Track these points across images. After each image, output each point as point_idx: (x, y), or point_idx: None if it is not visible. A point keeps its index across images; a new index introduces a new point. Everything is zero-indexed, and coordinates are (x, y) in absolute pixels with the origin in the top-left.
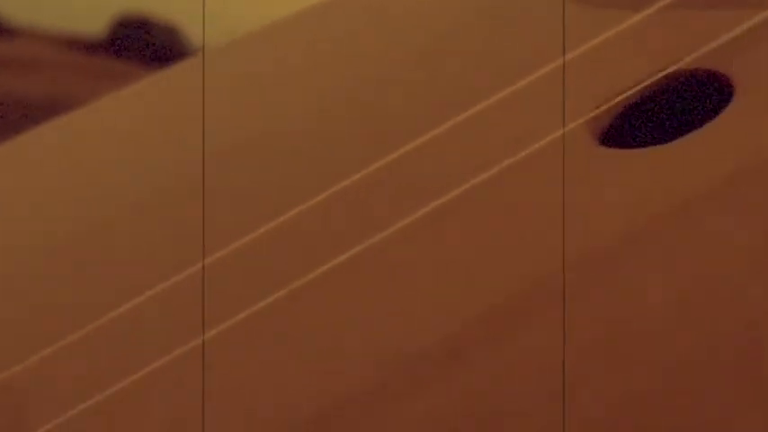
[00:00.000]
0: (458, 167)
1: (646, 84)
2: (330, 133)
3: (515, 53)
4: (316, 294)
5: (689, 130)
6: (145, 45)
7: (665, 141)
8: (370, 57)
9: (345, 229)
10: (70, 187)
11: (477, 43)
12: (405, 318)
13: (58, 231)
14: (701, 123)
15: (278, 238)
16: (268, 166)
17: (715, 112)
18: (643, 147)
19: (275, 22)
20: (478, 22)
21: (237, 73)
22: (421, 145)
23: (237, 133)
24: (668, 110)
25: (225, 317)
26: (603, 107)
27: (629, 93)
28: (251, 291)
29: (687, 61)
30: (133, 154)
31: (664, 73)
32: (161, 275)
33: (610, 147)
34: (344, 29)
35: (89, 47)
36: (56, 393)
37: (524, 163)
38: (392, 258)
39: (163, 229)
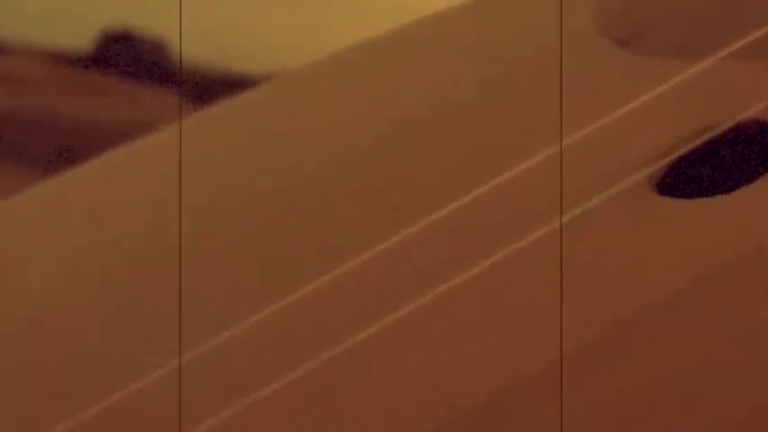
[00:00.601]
0: (453, 254)
1: (701, 136)
2: (323, 212)
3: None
4: (296, 390)
5: (738, 183)
6: (131, 60)
7: (717, 193)
8: (366, 123)
9: (332, 321)
10: (46, 265)
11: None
12: (399, 406)
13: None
14: (753, 176)
15: (260, 333)
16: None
17: (765, 164)
18: (694, 197)
19: (282, 76)
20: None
21: (228, 135)
22: (418, 230)
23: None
24: (717, 161)
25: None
26: (659, 163)
27: (685, 145)
28: (231, 387)
29: (743, 114)
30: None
31: (722, 126)
32: (137, 371)
33: (665, 196)
34: (341, 94)
35: (75, 62)
36: None
37: (524, 249)
38: (383, 350)
39: (139, 319)
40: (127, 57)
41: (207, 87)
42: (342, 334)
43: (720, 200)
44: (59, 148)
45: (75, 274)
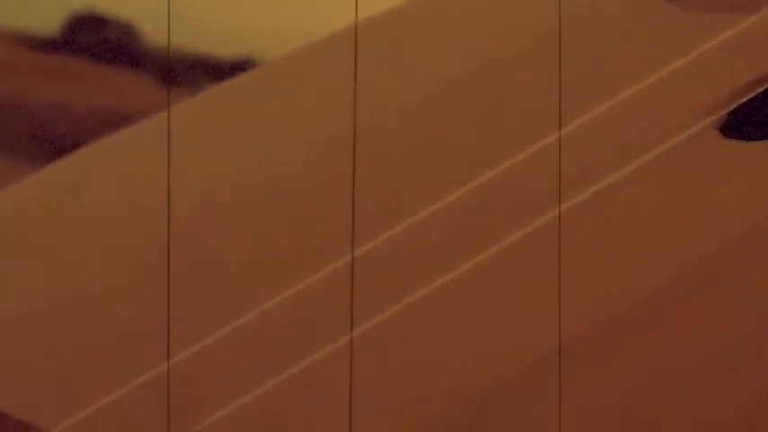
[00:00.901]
0: (459, 245)
1: (760, 83)
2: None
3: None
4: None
5: None
6: (100, 42)
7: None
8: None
9: (338, 312)
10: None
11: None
12: (406, 396)
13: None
14: None
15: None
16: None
17: None
18: (758, 140)
19: (268, 65)
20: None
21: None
22: (426, 216)
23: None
24: None
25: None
26: (721, 111)
27: (746, 92)
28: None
29: None
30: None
31: None
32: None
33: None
34: (342, 72)
35: (43, 45)
36: None
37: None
38: (390, 338)
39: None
40: (95, 40)
41: (178, 70)
42: (333, 331)
43: None
44: (33, 134)
45: (62, 273)
